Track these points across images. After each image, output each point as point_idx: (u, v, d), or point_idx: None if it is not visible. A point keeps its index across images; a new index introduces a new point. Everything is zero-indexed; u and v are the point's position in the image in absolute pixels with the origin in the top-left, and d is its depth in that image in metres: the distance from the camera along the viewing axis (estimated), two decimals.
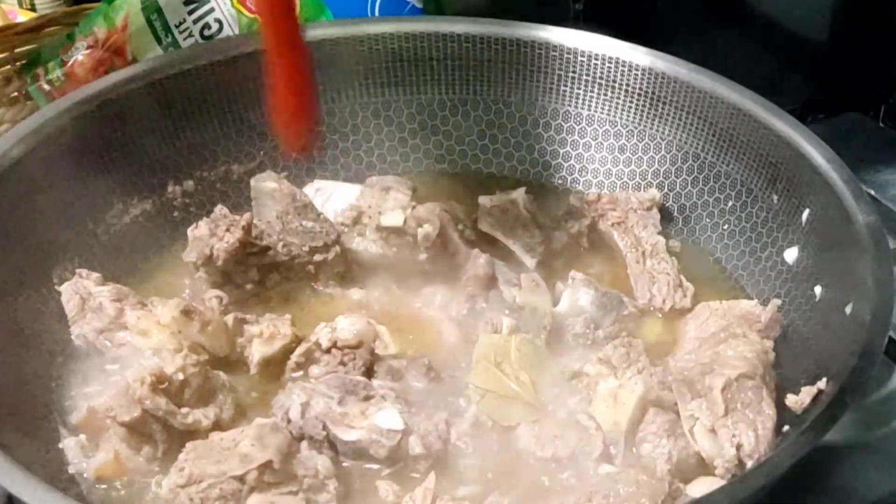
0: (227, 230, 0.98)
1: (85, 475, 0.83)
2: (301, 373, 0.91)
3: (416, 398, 0.88)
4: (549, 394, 0.90)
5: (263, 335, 0.92)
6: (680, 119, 1.09)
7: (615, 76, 1.11)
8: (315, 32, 1.13)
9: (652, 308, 1.00)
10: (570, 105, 1.15)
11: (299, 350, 0.91)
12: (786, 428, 0.84)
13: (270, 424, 0.82)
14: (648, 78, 1.09)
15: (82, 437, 0.85)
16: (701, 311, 0.98)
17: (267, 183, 1.05)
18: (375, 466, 0.83)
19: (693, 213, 1.10)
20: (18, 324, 0.91)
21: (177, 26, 1.24)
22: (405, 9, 1.28)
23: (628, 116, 1.12)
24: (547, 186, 1.15)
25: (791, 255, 0.99)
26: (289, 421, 0.84)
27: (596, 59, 1.11)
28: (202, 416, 0.85)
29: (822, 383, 0.81)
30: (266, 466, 0.78)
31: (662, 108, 1.10)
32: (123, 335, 0.92)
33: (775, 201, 1.02)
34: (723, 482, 0.81)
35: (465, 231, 1.05)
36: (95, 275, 0.96)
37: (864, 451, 0.94)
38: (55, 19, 1.31)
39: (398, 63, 1.16)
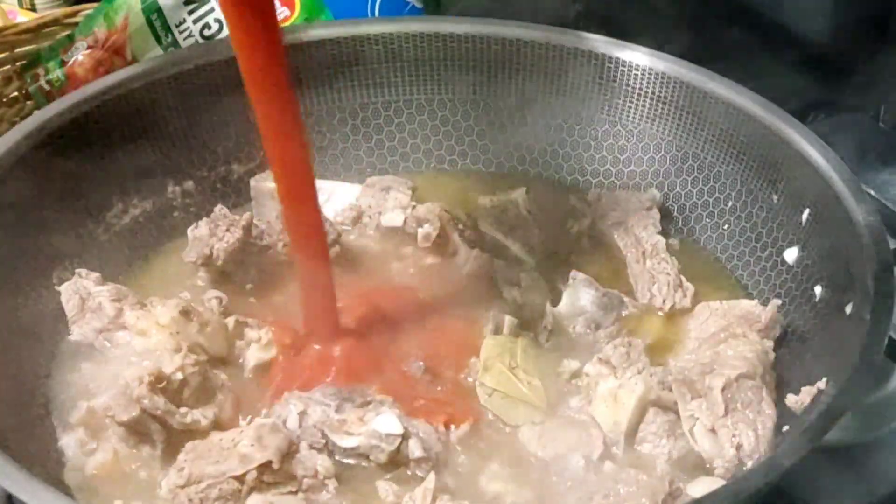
0: (227, 230, 0.98)
1: (84, 474, 0.82)
2: None
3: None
4: (549, 394, 0.90)
5: (261, 341, 0.92)
6: (680, 119, 1.09)
7: (615, 76, 1.11)
8: (315, 32, 1.14)
9: (652, 308, 1.00)
10: (570, 105, 1.15)
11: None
12: (786, 428, 0.84)
13: (270, 424, 0.81)
14: (648, 78, 1.09)
15: (82, 436, 0.85)
16: (701, 311, 0.98)
17: (267, 183, 1.05)
18: (375, 467, 0.83)
19: (693, 213, 1.10)
20: (18, 324, 0.91)
21: (177, 26, 1.24)
22: (405, 9, 1.29)
23: (628, 116, 1.12)
24: (547, 186, 1.15)
25: (791, 255, 0.99)
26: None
27: (596, 59, 1.11)
28: (201, 415, 0.85)
29: (822, 383, 0.81)
30: (265, 466, 0.78)
31: (662, 108, 1.10)
32: (122, 335, 0.92)
33: (775, 201, 1.02)
34: (723, 482, 0.81)
35: (465, 231, 1.05)
36: (95, 275, 0.97)
37: (864, 451, 0.93)
38: (55, 19, 1.31)
39: (398, 63, 1.16)
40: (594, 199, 1.10)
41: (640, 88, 1.10)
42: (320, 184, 1.13)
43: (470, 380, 0.91)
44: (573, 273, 0.99)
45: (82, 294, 0.94)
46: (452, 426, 0.86)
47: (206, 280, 0.99)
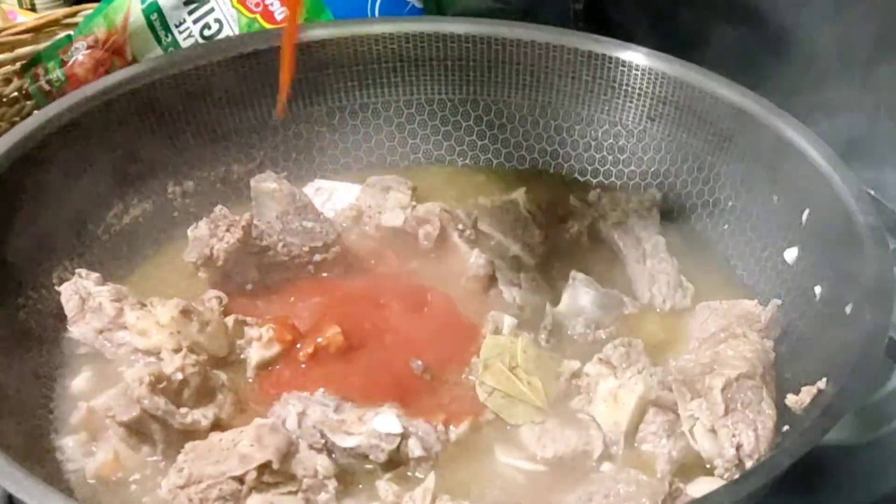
0: (227, 230, 0.98)
1: (84, 475, 0.82)
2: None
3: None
4: (549, 394, 0.90)
5: (263, 338, 0.92)
6: (680, 119, 1.09)
7: (615, 76, 1.11)
8: (315, 32, 1.14)
9: (652, 308, 1.00)
10: (570, 105, 1.15)
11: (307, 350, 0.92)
12: (786, 428, 0.84)
13: (269, 425, 0.81)
14: (648, 78, 1.09)
15: (82, 436, 0.85)
16: (701, 311, 0.98)
17: (267, 183, 1.05)
18: (375, 467, 0.84)
19: (693, 213, 1.10)
20: (18, 324, 0.91)
21: (177, 26, 1.24)
22: (405, 9, 1.28)
23: (628, 116, 1.12)
24: (547, 186, 1.15)
25: (791, 255, 0.99)
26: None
27: (596, 59, 1.11)
28: (201, 416, 0.85)
29: (822, 383, 0.81)
30: (265, 467, 0.78)
31: (662, 108, 1.10)
32: (123, 335, 0.92)
33: (775, 201, 1.02)
34: (723, 482, 0.81)
35: (465, 231, 1.05)
36: (95, 275, 0.97)
37: (864, 451, 0.93)
38: (55, 19, 1.31)
39: (398, 63, 1.16)
40: (594, 199, 1.10)
41: (640, 88, 1.10)
42: (320, 184, 1.14)
43: (471, 379, 0.91)
44: (573, 273, 0.99)
45: (82, 294, 0.94)
46: (452, 426, 0.86)
47: (206, 280, 0.99)
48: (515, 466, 0.84)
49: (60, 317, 0.94)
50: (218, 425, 0.85)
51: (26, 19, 1.37)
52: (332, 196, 1.12)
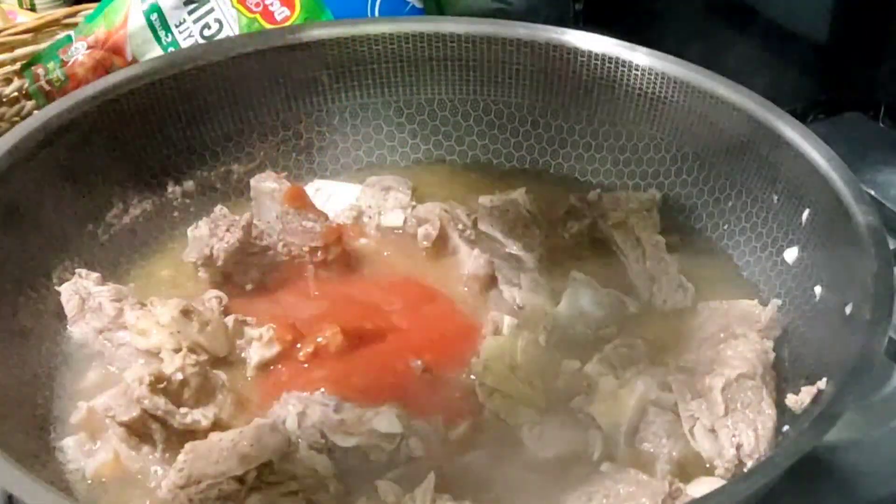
0: (227, 230, 0.98)
1: (84, 475, 0.82)
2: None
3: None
4: (549, 394, 0.90)
5: (263, 338, 0.92)
6: (680, 119, 1.09)
7: (615, 76, 1.11)
8: (315, 32, 1.13)
9: (652, 308, 1.00)
10: (570, 105, 1.15)
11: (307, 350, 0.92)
12: (786, 428, 0.84)
13: (269, 425, 0.81)
14: (648, 78, 1.09)
15: (82, 436, 0.85)
16: (701, 311, 0.98)
17: (267, 183, 1.05)
18: (375, 467, 0.83)
19: (693, 213, 1.10)
20: (18, 324, 0.91)
21: (177, 26, 1.24)
22: (405, 9, 1.28)
23: (628, 116, 1.12)
24: (547, 186, 1.15)
25: (791, 255, 0.99)
26: None
27: (596, 59, 1.11)
28: (201, 416, 0.85)
29: (822, 383, 0.81)
30: (265, 466, 0.78)
31: (662, 108, 1.10)
32: (123, 335, 0.92)
33: (775, 201, 1.02)
34: (723, 482, 0.81)
35: (465, 231, 1.05)
36: (95, 275, 0.97)
37: (864, 451, 0.93)
38: (55, 19, 1.31)
39: (398, 63, 1.16)
40: (594, 199, 1.10)
41: (640, 88, 1.10)
42: (320, 184, 1.14)
43: (471, 379, 0.91)
44: (573, 273, 0.99)
45: (82, 294, 0.94)
46: (452, 426, 0.86)
47: (206, 280, 0.99)
48: (515, 466, 0.84)
49: (60, 317, 0.94)
50: (218, 425, 0.85)
51: (26, 19, 1.37)
52: (332, 196, 1.12)
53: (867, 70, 1.39)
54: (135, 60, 1.23)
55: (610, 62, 1.11)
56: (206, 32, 1.24)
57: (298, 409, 0.84)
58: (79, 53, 1.24)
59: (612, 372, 0.89)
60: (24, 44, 1.28)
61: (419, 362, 0.91)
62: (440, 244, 1.05)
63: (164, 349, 0.88)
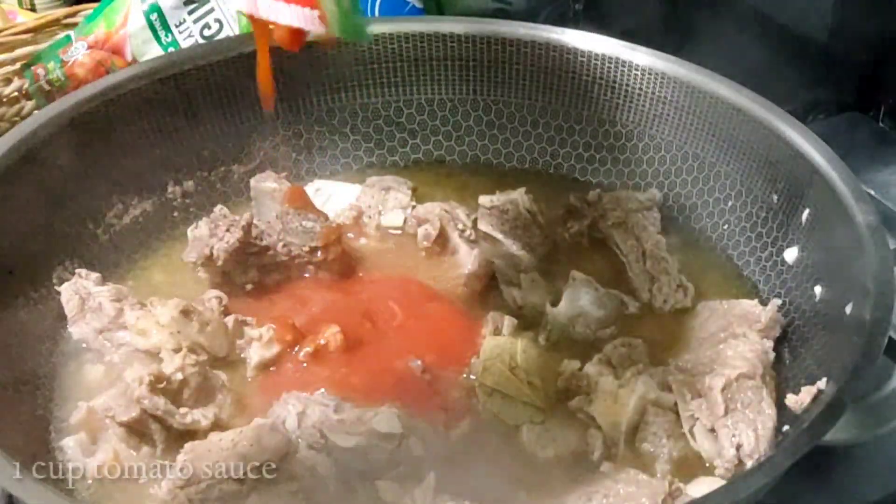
0: (227, 230, 0.98)
1: (84, 475, 0.82)
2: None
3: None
4: (549, 394, 0.90)
5: (263, 338, 0.92)
6: (680, 119, 1.09)
7: (615, 76, 1.11)
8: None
9: (652, 308, 1.00)
10: (570, 105, 1.15)
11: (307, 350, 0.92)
12: (786, 428, 0.84)
13: (269, 424, 0.81)
14: (648, 78, 1.09)
15: (82, 436, 0.85)
16: (701, 311, 0.98)
17: (267, 183, 1.05)
18: (375, 467, 0.83)
19: (693, 213, 1.10)
20: (18, 324, 0.91)
21: (177, 26, 1.24)
22: (405, 9, 1.29)
23: (628, 116, 1.12)
24: (547, 186, 1.15)
25: (791, 255, 0.99)
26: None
27: (596, 59, 1.11)
28: (201, 416, 0.85)
29: (822, 383, 0.81)
30: (265, 466, 0.78)
31: (662, 108, 1.10)
32: (123, 335, 0.92)
33: (775, 201, 1.02)
34: (723, 482, 0.81)
35: (464, 231, 1.05)
36: (95, 275, 0.97)
37: (864, 451, 0.93)
38: (55, 19, 1.31)
39: (398, 63, 1.16)
40: (594, 199, 1.10)
41: (640, 88, 1.10)
42: (320, 184, 1.14)
43: (471, 379, 0.91)
44: (573, 273, 0.99)
45: (82, 294, 0.94)
46: (452, 426, 0.86)
47: (205, 280, 0.99)
48: (515, 466, 0.84)
49: (60, 316, 0.94)
50: (218, 425, 0.85)
51: (26, 19, 1.37)
52: (332, 196, 1.12)
53: (867, 70, 1.39)
54: (135, 60, 1.23)
55: (610, 62, 1.11)
56: (206, 32, 1.24)
57: (298, 409, 0.84)
58: (79, 53, 1.24)
59: (612, 372, 0.89)
60: (24, 44, 1.28)
61: (419, 362, 0.91)
62: (440, 244, 1.05)
63: (163, 349, 0.88)
